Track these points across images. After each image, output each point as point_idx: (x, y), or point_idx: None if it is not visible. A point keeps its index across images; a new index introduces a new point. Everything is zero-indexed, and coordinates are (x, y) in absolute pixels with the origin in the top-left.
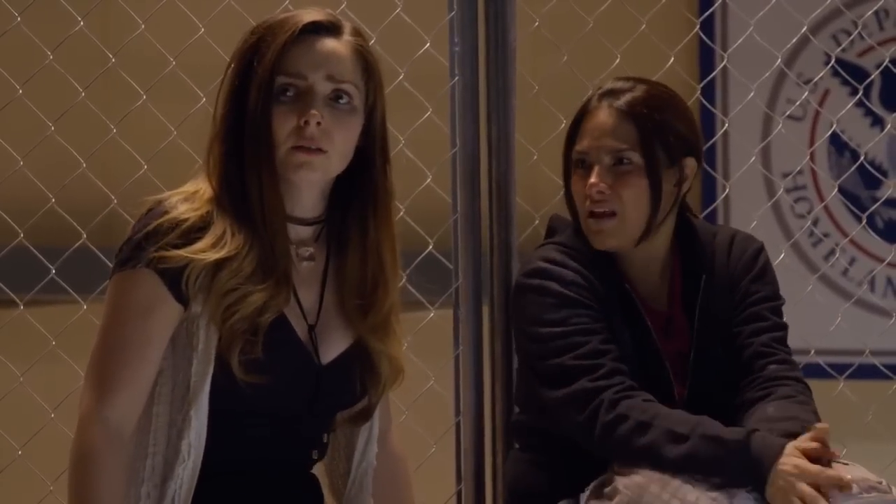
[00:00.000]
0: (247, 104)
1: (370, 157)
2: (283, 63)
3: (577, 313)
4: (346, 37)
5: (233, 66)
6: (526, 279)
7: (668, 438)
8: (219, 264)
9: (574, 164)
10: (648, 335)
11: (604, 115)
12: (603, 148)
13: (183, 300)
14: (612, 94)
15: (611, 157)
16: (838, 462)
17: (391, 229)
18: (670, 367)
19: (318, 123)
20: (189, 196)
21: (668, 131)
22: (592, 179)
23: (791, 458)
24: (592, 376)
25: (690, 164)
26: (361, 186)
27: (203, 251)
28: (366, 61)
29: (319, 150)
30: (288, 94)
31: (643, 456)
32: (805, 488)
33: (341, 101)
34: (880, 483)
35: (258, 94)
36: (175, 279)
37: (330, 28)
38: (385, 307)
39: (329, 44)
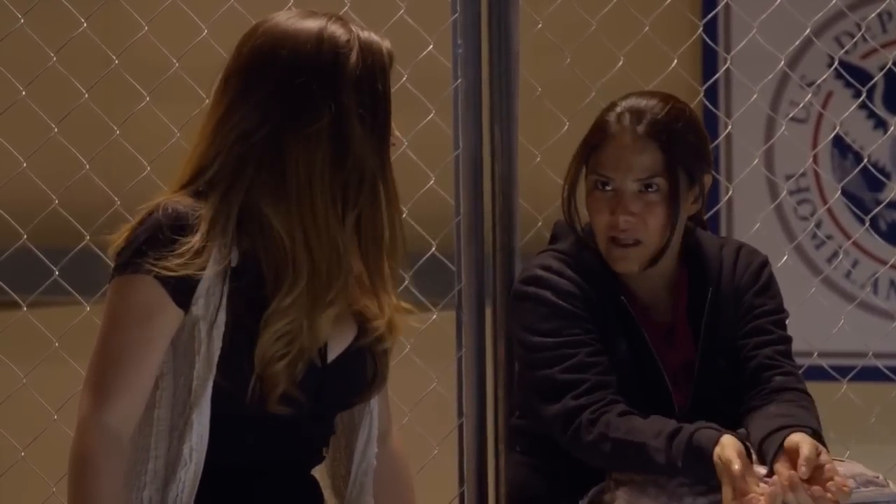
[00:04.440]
0: (366, 126)
1: None
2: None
3: (569, 324)
4: None
5: (349, 84)
6: (522, 286)
7: (645, 453)
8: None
9: (593, 185)
10: (645, 345)
11: (628, 140)
12: (629, 175)
13: (184, 305)
14: (633, 114)
15: (637, 184)
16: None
17: (397, 198)
18: (669, 377)
19: None
20: (191, 201)
21: (690, 153)
22: (620, 210)
23: (722, 451)
24: (576, 392)
25: (707, 180)
26: None
27: (204, 258)
28: None
29: None
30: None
31: (629, 470)
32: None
33: None
34: (877, 478)
35: (384, 118)
36: (176, 285)
37: None
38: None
39: None
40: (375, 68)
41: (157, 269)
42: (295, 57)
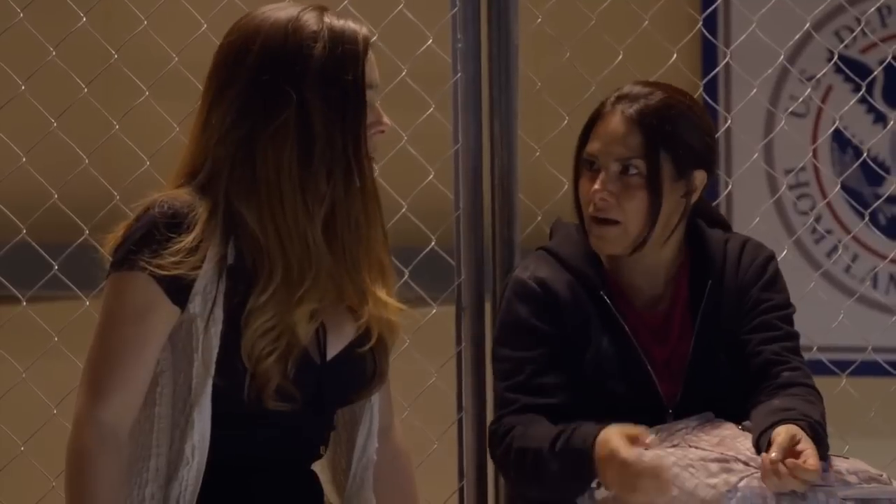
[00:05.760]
0: (334, 118)
1: None
2: (367, 76)
3: (528, 342)
4: None
5: (318, 79)
6: (507, 289)
7: (541, 460)
8: (230, 278)
9: (583, 165)
10: (627, 339)
11: (615, 121)
12: (611, 154)
13: (180, 303)
14: (627, 99)
15: (618, 164)
16: (835, 456)
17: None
18: (657, 369)
19: None
20: (188, 198)
21: (677, 143)
22: (597, 186)
23: (602, 449)
24: (507, 410)
25: (700, 176)
26: None
27: (198, 257)
28: None
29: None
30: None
31: (532, 481)
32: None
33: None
34: (881, 476)
35: (356, 109)
36: (171, 283)
37: None
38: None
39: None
40: (345, 58)
41: (151, 267)
42: (263, 52)
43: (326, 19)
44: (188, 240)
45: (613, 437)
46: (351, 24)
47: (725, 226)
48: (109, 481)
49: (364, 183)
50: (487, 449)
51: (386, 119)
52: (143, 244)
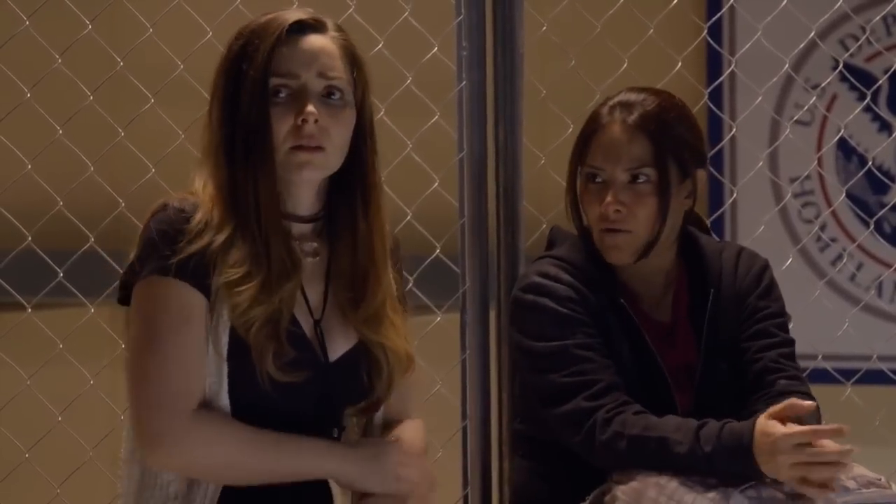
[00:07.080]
0: (240, 109)
1: (359, 150)
2: (274, 64)
3: (572, 330)
4: (332, 33)
5: (222, 73)
6: (521, 294)
7: (665, 445)
8: (225, 262)
9: (586, 178)
10: (646, 346)
11: (617, 131)
12: (619, 165)
13: (208, 296)
14: (624, 107)
15: (627, 174)
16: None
17: (381, 221)
18: (671, 378)
19: (316, 121)
20: (195, 199)
21: (681, 145)
22: (609, 199)
23: (759, 433)
24: (587, 394)
25: (701, 175)
26: (350, 179)
27: (217, 249)
28: (352, 56)
29: (319, 148)
30: (281, 95)
31: (645, 468)
32: (784, 458)
33: (334, 96)
34: (879, 479)
35: (252, 98)
36: (200, 279)
37: (315, 26)
38: (377, 298)
39: (317, 41)
40: (252, 51)
41: (181, 267)
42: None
43: (270, 16)
44: (196, 219)
45: (761, 422)
46: (281, 18)
47: (704, 226)
48: (222, 423)
49: (265, 160)
50: (570, 436)
51: (310, 108)
52: (165, 247)
